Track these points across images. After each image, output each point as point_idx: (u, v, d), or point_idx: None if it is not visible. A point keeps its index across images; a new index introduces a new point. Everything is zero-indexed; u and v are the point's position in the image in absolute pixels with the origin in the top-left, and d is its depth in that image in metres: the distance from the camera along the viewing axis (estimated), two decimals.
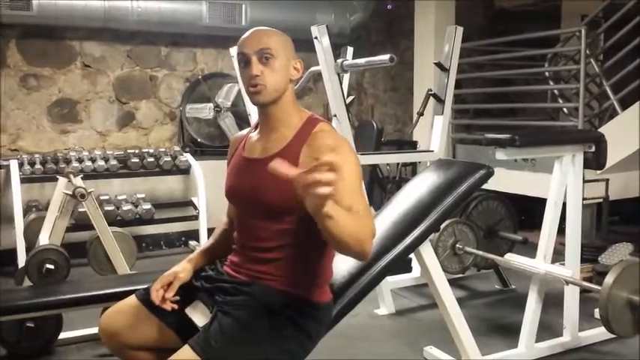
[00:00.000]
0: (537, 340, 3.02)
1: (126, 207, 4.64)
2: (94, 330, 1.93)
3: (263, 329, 1.67)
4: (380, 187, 5.52)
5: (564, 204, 3.05)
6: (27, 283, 3.51)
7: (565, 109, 5.85)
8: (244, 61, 1.72)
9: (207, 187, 4.88)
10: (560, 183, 3.02)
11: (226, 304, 1.72)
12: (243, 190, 1.79)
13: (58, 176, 4.05)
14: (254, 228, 1.76)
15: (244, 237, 1.82)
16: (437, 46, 5.60)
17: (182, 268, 1.86)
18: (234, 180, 1.85)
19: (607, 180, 4.51)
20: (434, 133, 3.82)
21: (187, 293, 1.83)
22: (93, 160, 4.76)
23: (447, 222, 3.67)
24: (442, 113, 3.79)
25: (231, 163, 1.91)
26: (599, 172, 3.92)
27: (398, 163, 5.68)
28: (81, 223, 4.20)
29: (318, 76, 3.87)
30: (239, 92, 5.16)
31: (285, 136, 1.75)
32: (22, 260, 3.94)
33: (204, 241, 4.99)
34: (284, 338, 1.69)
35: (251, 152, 1.82)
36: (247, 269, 1.79)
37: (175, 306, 1.79)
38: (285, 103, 1.76)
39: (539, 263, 3.00)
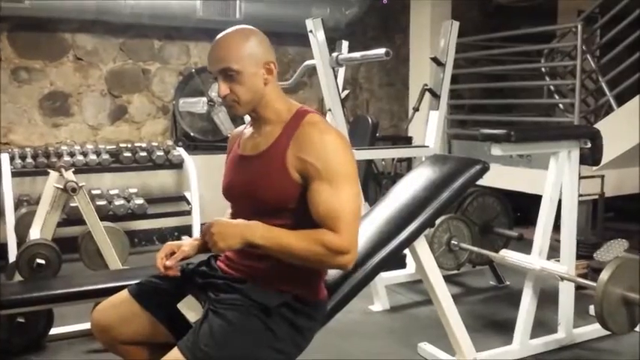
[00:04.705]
0: (532, 337, 3.02)
1: (118, 202, 4.61)
2: (86, 325, 1.91)
3: (255, 330, 1.65)
4: (375, 182, 5.51)
5: (560, 200, 3.04)
6: (18, 278, 3.48)
7: (561, 105, 5.84)
8: (213, 77, 1.73)
9: (200, 181, 4.86)
10: (556, 179, 3.00)
11: (218, 302, 1.70)
12: (237, 186, 1.80)
13: (49, 170, 4.01)
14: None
15: None
16: (433, 41, 5.57)
17: (188, 243, 1.83)
18: (230, 177, 1.85)
19: (603, 176, 4.50)
20: (429, 128, 3.81)
21: (179, 288, 1.82)
22: (85, 154, 4.72)
23: (442, 218, 3.66)
24: (438, 108, 3.79)
25: (228, 160, 1.91)
26: (594, 168, 3.92)
27: (393, 159, 5.67)
28: (72, 218, 4.18)
29: (313, 71, 3.85)
30: None
31: (274, 132, 1.74)
32: (12, 255, 3.91)
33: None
34: (277, 338, 1.67)
35: (244, 149, 1.82)
36: (241, 265, 1.78)
37: (178, 274, 1.78)
38: (268, 102, 1.74)
39: (535, 259, 2.99)
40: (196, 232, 5.05)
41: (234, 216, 1.84)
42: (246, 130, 1.87)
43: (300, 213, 1.63)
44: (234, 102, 1.70)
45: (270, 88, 1.73)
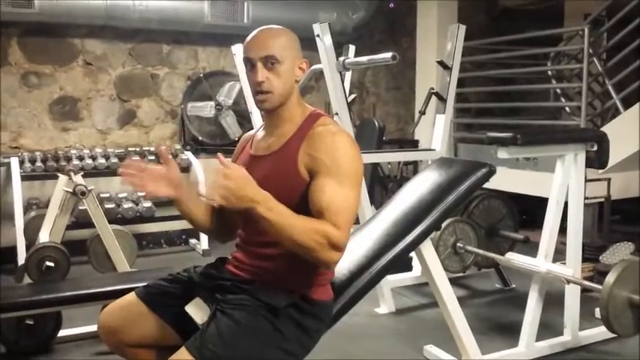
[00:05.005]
0: (538, 340, 3.02)
1: (126, 205, 4.64)
2: (94, 328, 1.92)
3: (263, 331, 1.66)
4: (381, 185, 5.52)
5: (566, 203, 3.04)
6: (27, 280, 3.51)
7: (567, 108, 5.83)
8: (250, 65, 1.72)
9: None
10: (562, 182, 3.01)
11: (226, 302, 1.71)
12: None
13: (58, 174, 4.06)
14: (257, 223, 1.76)
15: (248, 232, 1.83)
16: (439, 44, 5.58)
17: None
18: None
19: (609, 179, 4.50)
20: (436, 131, 3.82)
21: (187, 291, 1.83)
22: (94, 158, 4.76)
23: (448, 221, 3.67)
24: (444, 112, 3.80)
25: (237, 161, 1.91)
26: (601, 171, 3.92)
27: (399, 162, 5.68)
28: (81, 221, 4.21)
29: (320, 75, 3.88)
30: (240, 90, 5.15)
31: (287, 133, 1.76)
32: (22, 258, 3.93)
33: (205, 240, 5.05)
34: (284, 338, 1.68)
35: (257, 150, 1.84)
36: (249, 266, 1.79)
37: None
38: (290, 103, 1.77)
39: (540, 262, 2.99)
40: (203, 235, 5.08)
41: (242, 216, 1.85)
42: (258, 133, 1.89)
43: (301, 210, 1.65)
44: (268, 92, 1.70)
45: (295, 89, 1.78)
